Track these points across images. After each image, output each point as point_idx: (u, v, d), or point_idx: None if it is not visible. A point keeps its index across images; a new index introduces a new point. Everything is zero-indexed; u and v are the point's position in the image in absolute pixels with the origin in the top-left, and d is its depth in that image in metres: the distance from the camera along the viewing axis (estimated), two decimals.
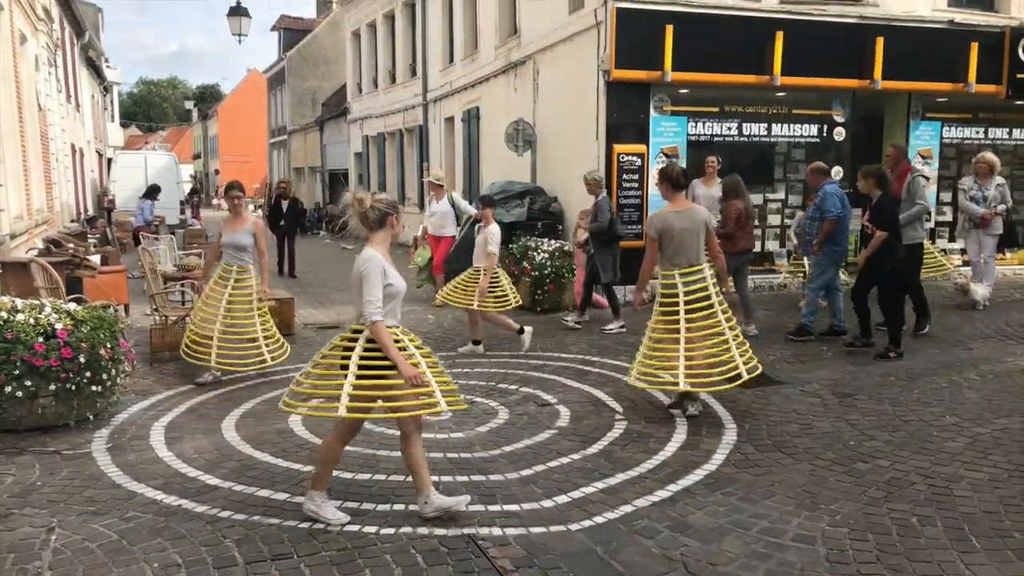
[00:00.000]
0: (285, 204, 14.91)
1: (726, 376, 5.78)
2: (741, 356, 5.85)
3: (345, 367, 4.09)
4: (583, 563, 3.79)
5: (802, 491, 4.58)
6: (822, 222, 8.24)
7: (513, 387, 6.95)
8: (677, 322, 5.87)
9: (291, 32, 37.17)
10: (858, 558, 3.78)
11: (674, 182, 6.14)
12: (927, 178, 8.73)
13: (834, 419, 5.88)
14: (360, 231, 4.22)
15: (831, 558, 3.78)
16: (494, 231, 8.05)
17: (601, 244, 9.02)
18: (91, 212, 22.73)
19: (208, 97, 74.16)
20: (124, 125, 54.33)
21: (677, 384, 5.75)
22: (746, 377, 5.80)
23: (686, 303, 5.87)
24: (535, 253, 10.33)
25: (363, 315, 4.05)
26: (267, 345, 7.12)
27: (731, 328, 5.94)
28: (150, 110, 79.70)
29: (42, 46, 14.66)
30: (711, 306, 5.91)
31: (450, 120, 18.28)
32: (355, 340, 4.13)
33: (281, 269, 14.73)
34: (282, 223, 14.90)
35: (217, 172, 55.18)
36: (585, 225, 9.33)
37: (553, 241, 10.84)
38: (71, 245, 11.29)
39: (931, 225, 12.33)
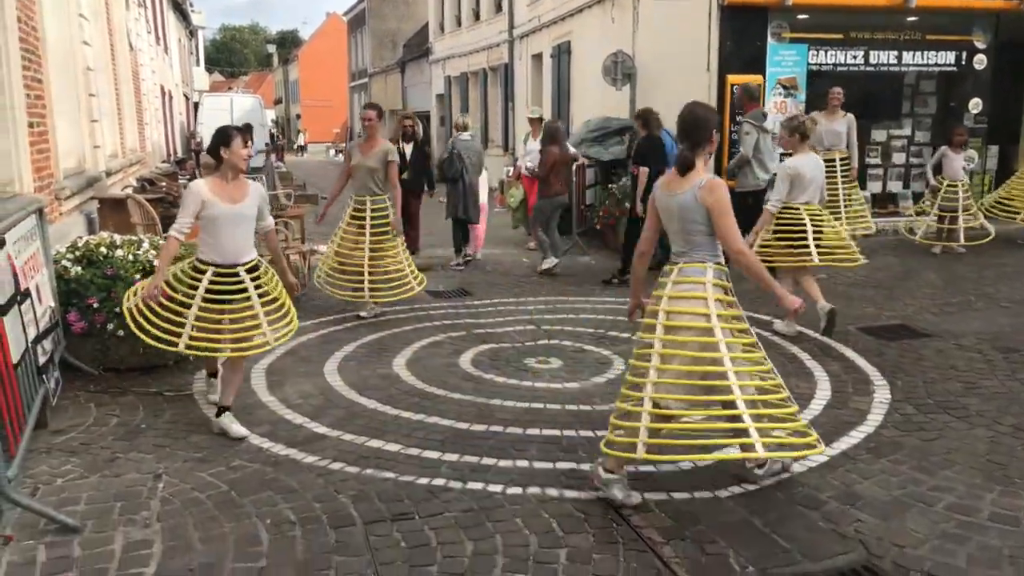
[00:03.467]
0: (409, 149, 10.01)
1: (403, 289, 6.87)
2: (413, 276, 6.95)
3: None
4: (742, 537, 3.31)
5: (987, 461, 3.96)
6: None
7: (624, 335, 6.44)
8: (364, 239, 6.81)
9: None
10: None
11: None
12: (755, 124, 7.90)
13: (1004, 378, 5.17)
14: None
15: None
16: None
17: (449, 184, 9.53)
18: (180, 154, 23.00)
19: (288, 42, 74.51)
20: (208, 70, 55.09)
21: (363, 296, 6.77)
22: (417, 290, 6.99)
23: (372, 225, 6.83)
24: None
25: None
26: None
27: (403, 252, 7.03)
28: (231, 56, 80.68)
29: None
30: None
31: (538, 57, 17.52)
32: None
33: (410, 245, 9.73)
34: (404, 176, 9.54)
35: (299, 117, 55.62)
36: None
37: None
38: (163, 184, 11.23)
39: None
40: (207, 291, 4.27)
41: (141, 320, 4.29)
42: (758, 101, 8.26)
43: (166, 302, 4.29)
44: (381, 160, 6.85)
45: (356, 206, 6.90)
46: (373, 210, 6.83)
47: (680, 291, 3.61)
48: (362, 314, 6.86)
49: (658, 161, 7.93)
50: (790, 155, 6.42)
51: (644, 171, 7.86)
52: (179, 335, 4.21)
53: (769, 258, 6.07)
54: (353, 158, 6.96)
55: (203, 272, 4.32)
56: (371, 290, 6.74)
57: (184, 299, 4.29)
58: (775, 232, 6.24)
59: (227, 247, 4.32)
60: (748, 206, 7.72)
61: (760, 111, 8.31)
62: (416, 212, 10.08)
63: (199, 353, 4.47)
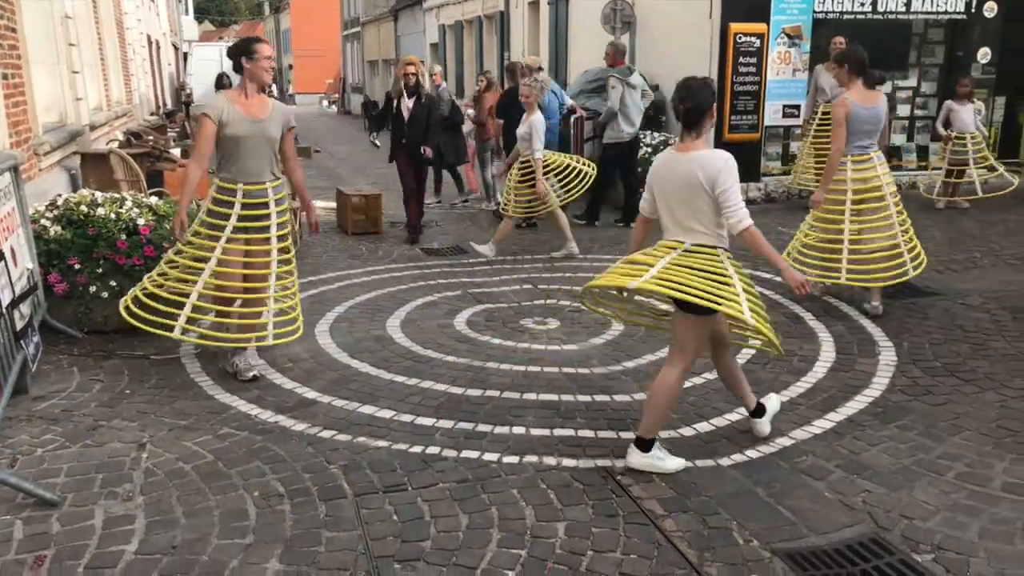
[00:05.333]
0: (409, 106, 7.85)
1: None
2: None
3: None
4: (745, 508, 3.20)
5: (998, 427, 3.85)
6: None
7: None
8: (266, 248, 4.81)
9: None
10: None
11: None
12: (621, 79, 8.46)
13: (1013, 339, 5.04)
14: None
15: None
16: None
17: (445, 131, 9.70)
18: (170, 106, 22.51)
19: None
20: (197, 20, 53.69)
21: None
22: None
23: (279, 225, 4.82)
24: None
25: None
26: None
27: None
28: (221, 4, 78.77)
29: None
30: None
31: (535, 4, 17.04)
32: None
33: (411, 222, 8.33)
34: (404, 140, 7.95)
35: (291, 67, 54.52)
36: None
37: (656, 134, 9.90)
38: (151, 137, 10.93)
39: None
40: None
41: None
42: (625, 58, 8.84)
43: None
44: (282, 125, 4.54)
45: (248, 200, 4.40)
46: (277, 201, 4.50)
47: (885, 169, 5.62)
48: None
49: (520, 111, 8.13)
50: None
51: (499, 122, 8.74)
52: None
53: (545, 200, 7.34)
54: (231, 125, 4.32)
55: None
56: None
57: None
58: (545, 174, 7.35)
59: None
60: (614, 156, 8.63)
61: (627, 67, 8.75)
62: (411, 188, 8.11)
63: None
